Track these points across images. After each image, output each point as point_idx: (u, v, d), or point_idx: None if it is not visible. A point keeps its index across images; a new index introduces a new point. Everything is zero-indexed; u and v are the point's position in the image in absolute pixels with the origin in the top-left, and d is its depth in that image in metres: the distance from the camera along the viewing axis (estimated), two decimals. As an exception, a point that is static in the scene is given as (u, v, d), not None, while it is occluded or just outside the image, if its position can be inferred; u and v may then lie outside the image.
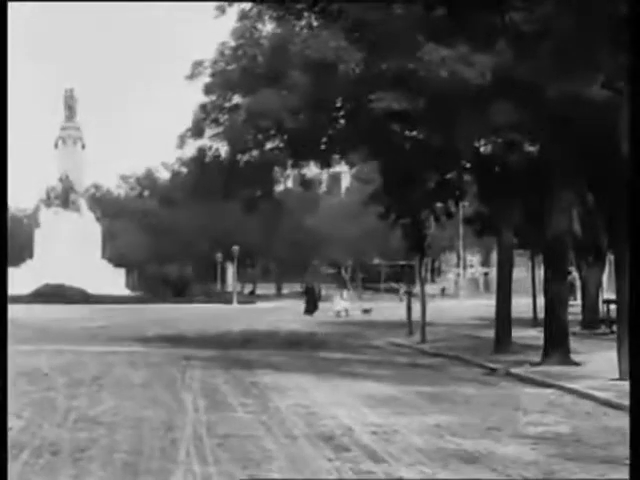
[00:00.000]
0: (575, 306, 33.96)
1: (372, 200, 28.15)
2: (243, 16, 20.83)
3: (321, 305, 51.87)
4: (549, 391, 15.89)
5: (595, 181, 25.91)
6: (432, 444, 10.48)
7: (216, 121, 21.40)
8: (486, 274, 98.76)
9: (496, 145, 20.81)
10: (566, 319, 20.98)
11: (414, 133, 21.88)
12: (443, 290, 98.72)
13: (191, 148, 22.22)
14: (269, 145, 21.68)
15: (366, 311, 45.08)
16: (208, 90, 21.26)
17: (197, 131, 21.41)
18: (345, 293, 54.91)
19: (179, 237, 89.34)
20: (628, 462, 7.73)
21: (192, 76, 21.08)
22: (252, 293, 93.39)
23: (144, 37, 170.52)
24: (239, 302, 73.71)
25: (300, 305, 52.23)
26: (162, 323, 38.95)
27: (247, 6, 21.02)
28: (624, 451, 8.75)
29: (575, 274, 39.03)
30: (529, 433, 11.36)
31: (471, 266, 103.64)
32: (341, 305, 47.73)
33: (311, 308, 48.43)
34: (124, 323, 39.32)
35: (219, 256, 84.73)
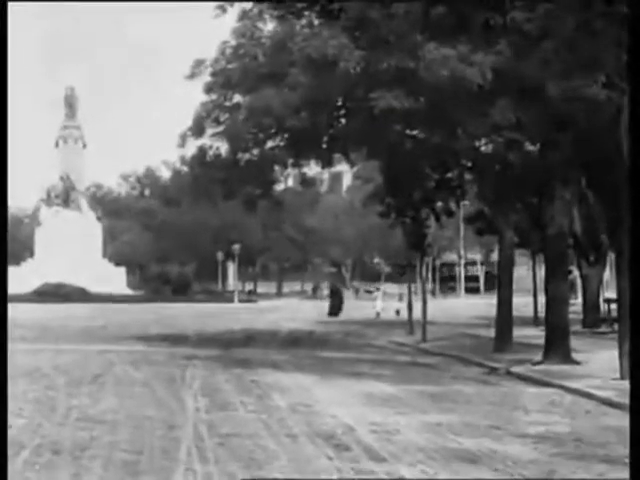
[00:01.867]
0: (576, 305, 33.99)
1: (372, 199, 28.14)
2: (244, 15, 20.82)
3: (321, 304, 51.66)
4: (550, 390, 15.88)
5: (595, 180, 25.95)
6: (433, 443, 10.48)
7: (217, 120, 21.39)
8: (487, 273, 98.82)
9: (497, 144, 20.78)
10: (567, 318, 20.98)
11: (415, 132, 21.87)
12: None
13: (192, 147, 22.23)
14: (270, 144, 21.67)
15: (397, 312, 43.19)
16: (209, 89, 21.24)
17: (198, 130, 21.39)
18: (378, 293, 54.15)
19: (180, 236, 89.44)
20: (628, 461, 7.72)
21: (193, 75, 21.07)
22: (251, 292, 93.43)
23: (145, 36, 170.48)
24: (240, 301, 73.78)
25: (304, 303, 52.00)
26: (163, 322, 38.96)
27: (248, 5, 21.02)
28: (624, 450, 8.75)
29: (576, 273, 39.03)
30: (530, 432, 11.36)
31: (472, 264, 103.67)
32: (379, 306, 46.32)
33: (336, 309, 47.51)
34: (125, 322, 39.31)
35: (220, 255, 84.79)
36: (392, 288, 57.66)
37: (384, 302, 48.37)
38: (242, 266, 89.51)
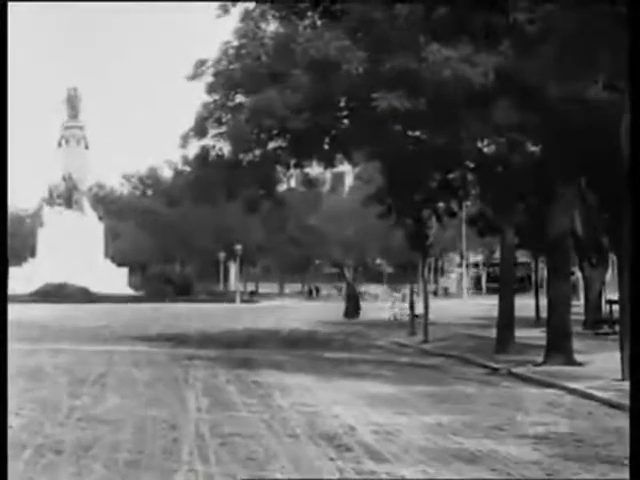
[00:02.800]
0: (578, 306, 33.97)
1: (373, 200, 28.15)
2: (246, 15, 20.84)
3: (323, 305, 51.59)
4: (551, 391, 15.90)
5: (597, 181, 25.93)
6: (434, 444, 10.50)
7: (219, 120, 21.40)
8: (489, 274, 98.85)
9: (499, 145, 20.80)
10: (569, 319, 20.96)
11: (417, 133, 21.89)
12: (446, 290, 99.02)
13: (194, 147, 22.24)
14: (272, 144, 21.68)
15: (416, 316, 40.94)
16: (211, 89, 21.26)
17: (200, 130, 21.40)
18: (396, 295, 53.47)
19: (182, 236, 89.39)
20: (628, 462, 7.73)
21: (195, 75, 21.08)
22: (253, 292, 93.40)
23: (147, 36, 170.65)
24: (242, 301, 73.77)
25: (306, 304, 51.97)
26: (165, 322, 38.97)
27: (250, 5, 21.05)
28: (625, 451, 8.76)
29: (578, 274, 39.03)
30: (531, 433, 11.36)
31: (475, 266, 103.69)
32: (399, 306, 45.02)
33: (352, 311, 46.57)
34: (127, 322, 39.32)
35: (222, 255, 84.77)
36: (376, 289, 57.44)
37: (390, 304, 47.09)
38: (244, 266, 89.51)
